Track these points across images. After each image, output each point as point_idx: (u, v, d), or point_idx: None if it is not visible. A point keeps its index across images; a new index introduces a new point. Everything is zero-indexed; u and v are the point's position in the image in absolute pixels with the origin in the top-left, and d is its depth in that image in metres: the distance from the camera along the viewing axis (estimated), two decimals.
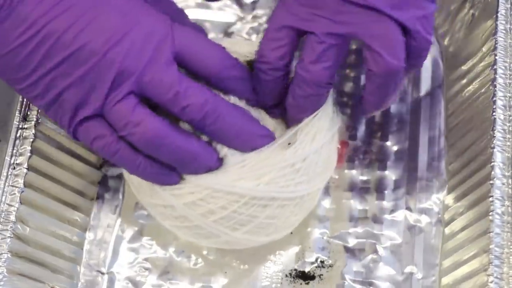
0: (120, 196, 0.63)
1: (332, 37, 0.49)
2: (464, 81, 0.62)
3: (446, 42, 0.66)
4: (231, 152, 0.52)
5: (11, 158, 0.56)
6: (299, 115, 0.53)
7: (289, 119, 0.54)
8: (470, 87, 0.60)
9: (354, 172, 0.62)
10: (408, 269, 0.59)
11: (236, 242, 0.54)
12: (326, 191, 0.61)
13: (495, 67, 0.57)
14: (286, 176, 0.52)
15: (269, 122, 0.54)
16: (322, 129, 0.54)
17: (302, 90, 0.51)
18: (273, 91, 0.53)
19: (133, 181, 0.55)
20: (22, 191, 0.56)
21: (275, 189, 0.51)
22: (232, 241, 0.54)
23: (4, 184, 0.56)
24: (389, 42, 0.48)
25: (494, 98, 0.56)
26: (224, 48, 0.52)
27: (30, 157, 0.57)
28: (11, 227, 0.54)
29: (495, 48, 0.58)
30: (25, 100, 0.58)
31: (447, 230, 0.59)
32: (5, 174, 0.56)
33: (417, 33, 0.49)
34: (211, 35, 0.68)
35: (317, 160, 0.53)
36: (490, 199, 0.53)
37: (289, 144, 0.53)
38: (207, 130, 0.50)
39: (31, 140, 0.57)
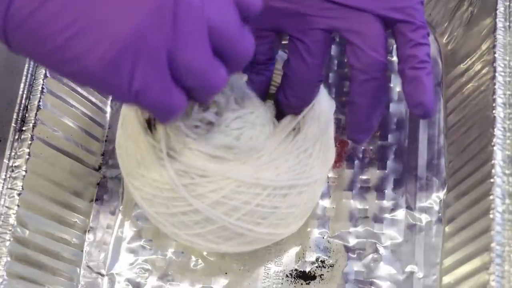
0: (119, 197, 0.63)
1: (314, 33, 0.49)
2: (463, 79, 0.62)
3: (444, 40, 0.66)
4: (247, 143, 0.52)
5: (9, 161, 0.56)
6: (293, 112, 0.53)
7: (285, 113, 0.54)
8: (469, 85, 0.60)
9: (354, 171, 0.62)
10: (408, 268, 0.59)
11: (258, 239, 0.54)
12: (326, 191, 0.61)
13: (494, 64, 0.57)
14: (301, 162, 0.52)
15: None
16: (323, 110, 0.54)
17: (292, 90, 0.52)
18: (259, 88, 0.54)
19: (146, 195, 0.53)
20: (21, 194, 0.55)
21: (294, 177, 0.52)
22: (254, 239, 0.53)
23: (3, 187, 0.55)
24: (368, 36, 0.48)
25: (494, 96, 0.56)
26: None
27: (28, 159, 0.56)
28: (10, 230, 0.54)
29: (494, 46, 0.58)
30: (23, 102, 0.58)
31: (447, 229, 0.59)
32: (3, 177, 0.56)
33: (404, 23, 0.49)
34: None
35: (326, 141, 0.54)
36: (491, 197, 0.53)
37: (294, 129, 0.53)
38: None
39: (30, 142, 0.57)
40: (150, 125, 0.52)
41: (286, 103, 0.53)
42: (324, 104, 0.55)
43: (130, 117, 0.53)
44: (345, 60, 0.51)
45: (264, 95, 0.55)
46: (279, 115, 0.55)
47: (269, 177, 0.51)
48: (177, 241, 0.60)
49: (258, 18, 0.46)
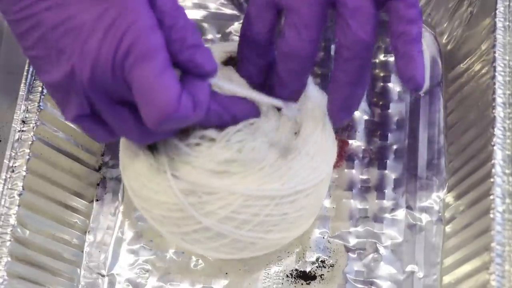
0: (120, 198, 0.63)
1: (312, 6, 0.49)
2: (463, 79, 0.62)
3: (444, 40, 0.66)
4: (249, 150, 0.52)
5: (9, 161, 0.56)
6: (284, 92, 0.52)
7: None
8: (469, 85, 0.60)
9: (354, 171, 0.62)
10: (409, 268, 0.59)
11: (271, 244, 0.54)
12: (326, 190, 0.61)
13: (494, 64, 0.57)
14: (305, 166, 0.52)
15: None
16: (315, 105, 0.54)
17: (286, 65, 0.51)
18: (257, 66, 0.53)
19: (156, 216, 0.53)
20: (21, 194, 0.55)
21: (300, 182, 0.52)
22: (267, 245, 0.54)
23: (3, 187, 0.55)
24: (358, 13, 0.48)
25: (494, 96, 0.56)
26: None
27: (28, 160, 0.56)
28: (11, 230, 0.54)
29: (494, 46, 0.58)
30: (23, 103, 0.58)
31: (447, 229, 0.59)
32: (4, 177, 0.56)
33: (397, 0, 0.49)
34: (208, 35, 0.68)
35: (325, 138, 0.54)
36: (491, 197, 0.53)
37: (295, 133, 0.53)
38: None
39: (30, 143, 0.57)
40: (151, 147, 0.52)
41: (278, 81, 0.52)
42: (315, 98, 0.55)
43: (130, 141, 0.53)
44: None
45: (263, 81, 0.54)
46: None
47: (275, 187, 0.51)
48: None
49: None
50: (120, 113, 0.46)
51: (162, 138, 0.51)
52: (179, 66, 0.45)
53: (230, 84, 0.50)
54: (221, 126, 0.51)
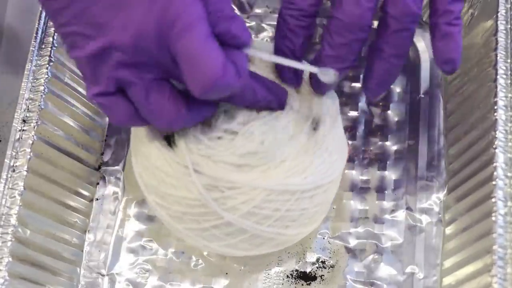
0: (119, 197, 0.63)
1: None
2: (463, 80, 0.62)
3: None
4: (269, 147, 0.51)
5: (10, 161, 0.56)
6: (337, 66, 0.50)
7: (316, 83, 0.53)
8: (470, 87, 0.60)
9: (354, 172, 0.62)
10: (409, 269, 0.59)
11: (288, 240, 0.54)
12: None
13: (496, 67, 0.57)
14: (325, 161, 0.52)
15: (294, 97, 0.55)
16: (330, 103, 0.54)
17: (342, 37, 0.49)
18: (301, 40, 0.52)
19: (174, 213, 0.53)
20: (22, 194, 0.55)
21: (320, 177, 0.52)
22: (284, 240, 0.54)
23: (4, 187, 0.55)
24: None
25: (496, 99, 0.56)
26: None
27: (29, 159, 0.56)
28: (12, 230, 0.54)
29: (495, 49, 0.58)
30: (24, 102, 0.57)
31: (448, 230, 0.59)
32: (4, 176, 0.56)
33: None
34: None
35: (340, 134, 0.55)
36: (493, 200, 0.53)
37: (314, 129, 0.53)
38: None
39: (31, 142, 0.57)
40: (169, 142, 0.52)
41: (331, 55, 0.50)
42: (331, 94, 0.55)
43: (144, 137, 0.53)
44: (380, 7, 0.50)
45: (303, 51, 0.53)
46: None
47: (297, 182, 0.51)
48: (178, 241, 0.60)
49: None
50: (158, 88, 0.46)
51: (190, 124, 0.50)
52: (217, 36, 0.45)
53: (266, 53, 0.49)
54: (252, 106, 0.51)
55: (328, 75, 0.50)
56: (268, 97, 0.51)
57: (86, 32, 0.44)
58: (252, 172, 0.51)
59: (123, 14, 0.43)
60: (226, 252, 0.54)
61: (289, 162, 0.51)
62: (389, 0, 0.49)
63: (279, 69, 0.54)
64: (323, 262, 0.59)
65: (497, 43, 0.58)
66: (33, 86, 0.59)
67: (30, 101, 0.58)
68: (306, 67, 0.50)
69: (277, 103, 0.53)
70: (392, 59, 0.50)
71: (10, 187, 0.55)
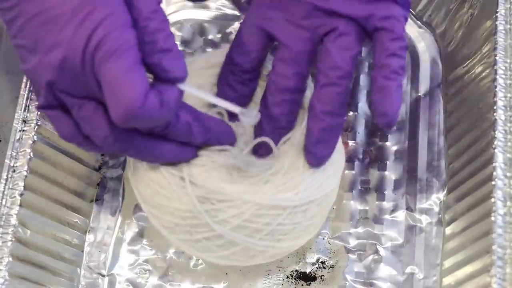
0: (120, 198, 0.63)
1: (300, 42, 0.51)
2: (463, 81, 0.62)
3: (445, 41, 0.66)
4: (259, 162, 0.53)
5: (10, 161, 0.56)
6: (270, 125, 0.53)
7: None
8: (470, 87, 0.60)
9: (354, 172, 0.62)
10: (409, 269, 0.59)
11: (281, 252, 0.54)
12: None
13: (495, 67, 0.57)
14: (318, 177, 0.53)
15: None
16: None
17: (275, 98, 0.52)
18: (237, 93, 0.54)
19: (167, 223, 0.53)
20: (22, 194, 0.55)
21: (312, 192, 0.52)
22: (276, 252, 0.54)
23: (4, 187, 0.55)
24: (340, 40, 0.50)
25: (495, 99, 0.56)
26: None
27: (30, 159, 0.56)
28: (12, 230, 0.54)
29: (495, 49, 0.58)
30: (24, 102, 0.58)
31: (448, 230, 0.59)
32: (5, 177, 0.56)
33: (384, 31, 0.50)
34: (209, 35, 0.68)
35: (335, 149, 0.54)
36: (492, 200, 0.53)
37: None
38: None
39: (31, 142, 0.57)
40: None
41: (266, 113, 0.53)
42: None
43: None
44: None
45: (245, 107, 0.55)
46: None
47: (289, 198, 0.51)
48: None
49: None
50: (87, 107, 0.46)
51: (125, 149, 0.49)
52: (148, 68, 0.45)
53: (197, 90, 0.49)
54: (191, 142, 0.51)
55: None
56: (206, 135, 0.51)
57: (29, 46, 0.45)
58: (243, 184, 0.51)
59: (54, 33, 0.43)
60: (220, 263, 0.54)
61: (280, 175, 0.51)
62: (320, 57, 0.50)
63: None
64: (323, 263, 0.59)
65: (496, 43, 0.58)
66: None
67: (30, 101, 0.58)
68: (228, 106, 0.50)
69: (216, 141, 0.52)
70: (324, 116, 0.51)
71: (10, 187, 0.55)
